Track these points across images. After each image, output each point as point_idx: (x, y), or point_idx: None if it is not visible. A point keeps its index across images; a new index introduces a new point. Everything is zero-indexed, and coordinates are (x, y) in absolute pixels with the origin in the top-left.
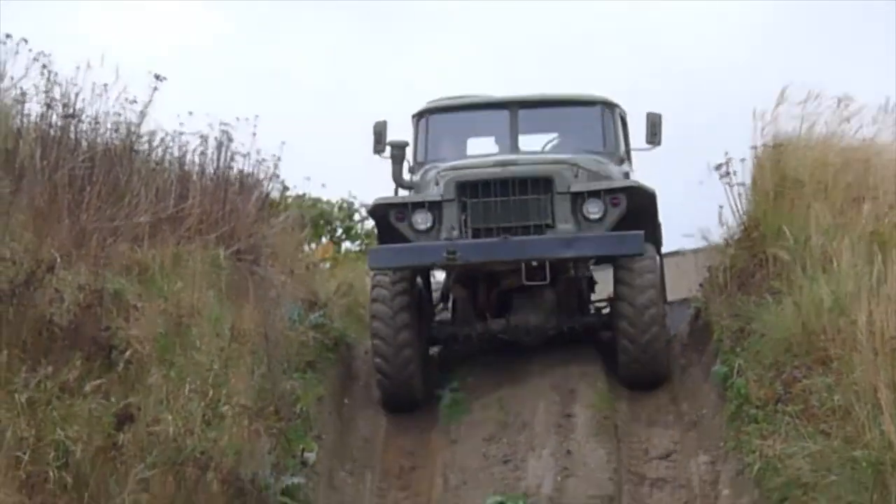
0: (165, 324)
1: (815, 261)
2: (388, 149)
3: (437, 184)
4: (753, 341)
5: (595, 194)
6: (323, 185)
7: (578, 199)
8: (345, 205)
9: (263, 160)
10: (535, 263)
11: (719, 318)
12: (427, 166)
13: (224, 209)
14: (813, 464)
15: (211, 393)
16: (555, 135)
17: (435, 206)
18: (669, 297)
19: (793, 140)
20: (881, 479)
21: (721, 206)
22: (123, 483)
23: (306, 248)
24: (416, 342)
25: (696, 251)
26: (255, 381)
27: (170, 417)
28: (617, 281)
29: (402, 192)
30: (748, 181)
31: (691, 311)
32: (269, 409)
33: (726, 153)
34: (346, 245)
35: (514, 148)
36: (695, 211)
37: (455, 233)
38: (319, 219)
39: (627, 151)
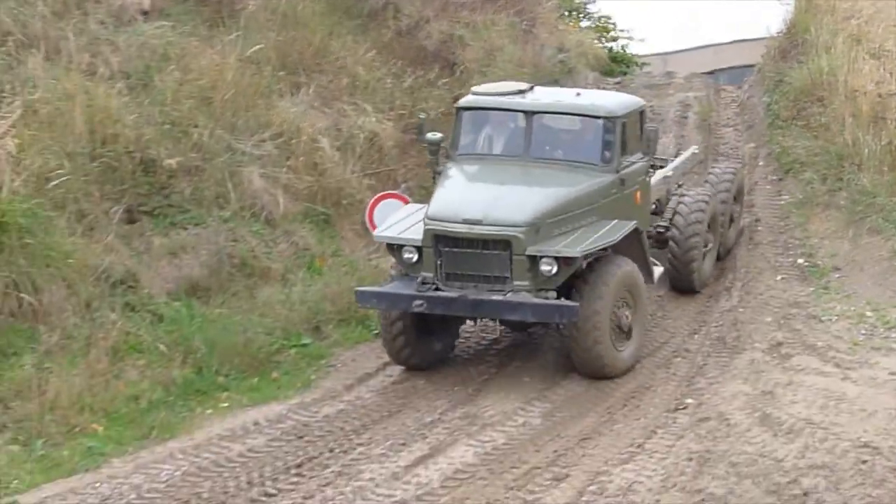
0: (484, 54)
1: (822, 47)
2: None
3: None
4: (785, 86)
5: (549, 255)
6: None
7: (535, 258)
8: None
9: None
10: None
11: (769, 73)
12: (458, 156)
13: None
14: (807, 152)
15: None
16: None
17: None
18: (748, 62)
19: None
20: (840, 162)
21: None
22: None
23: (562, 21)
24: None
25: (762, 39)
26: None
27: None
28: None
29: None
30: (792, 3)
31: (756, 69)
32: None
33: None
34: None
35: (527, 150)
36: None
37: (431, 275)
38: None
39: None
